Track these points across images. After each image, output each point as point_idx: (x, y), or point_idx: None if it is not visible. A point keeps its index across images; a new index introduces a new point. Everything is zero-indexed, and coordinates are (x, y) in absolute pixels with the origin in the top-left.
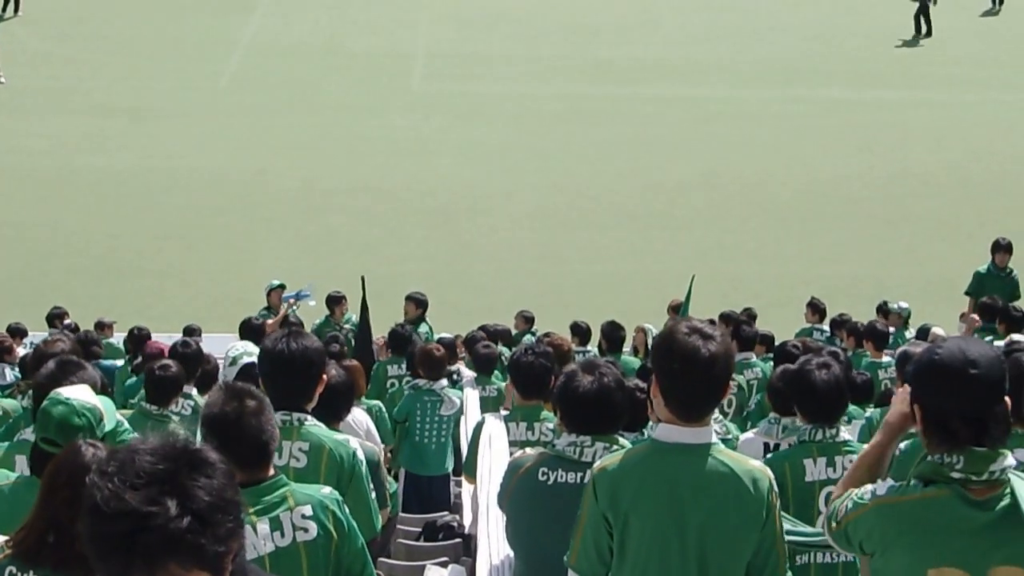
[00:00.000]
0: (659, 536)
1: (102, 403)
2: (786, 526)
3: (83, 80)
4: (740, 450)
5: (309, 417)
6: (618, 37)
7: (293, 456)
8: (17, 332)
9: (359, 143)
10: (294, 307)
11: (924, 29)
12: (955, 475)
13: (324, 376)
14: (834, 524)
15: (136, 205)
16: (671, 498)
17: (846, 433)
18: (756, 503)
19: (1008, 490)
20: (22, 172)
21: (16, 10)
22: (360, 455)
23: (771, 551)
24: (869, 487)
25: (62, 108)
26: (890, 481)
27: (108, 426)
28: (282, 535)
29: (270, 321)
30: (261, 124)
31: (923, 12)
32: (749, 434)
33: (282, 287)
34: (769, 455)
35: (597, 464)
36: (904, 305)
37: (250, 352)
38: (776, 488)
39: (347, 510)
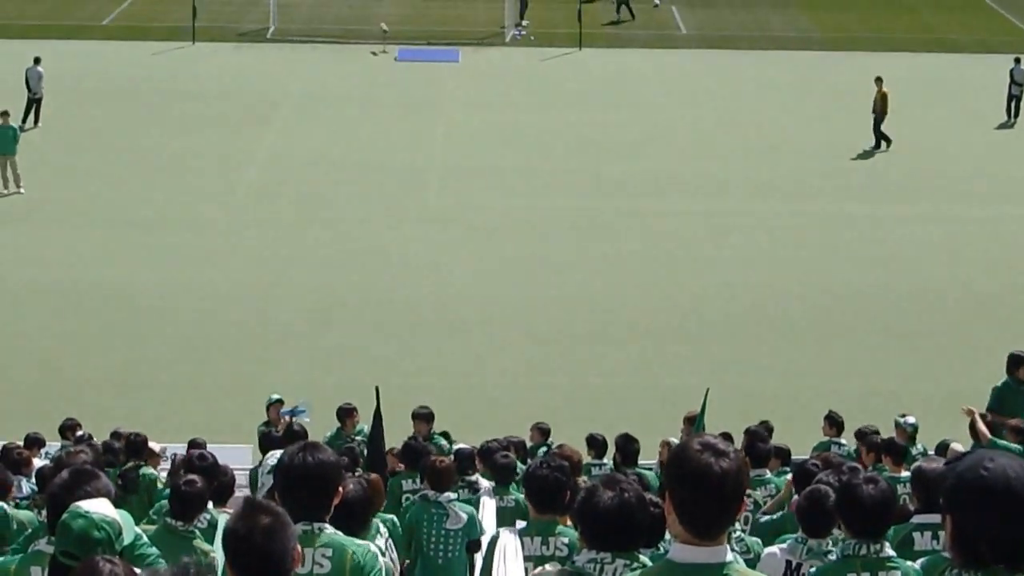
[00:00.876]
0: None
1: (120, 516)
2: None
3: (100, 192)
4: (762, 565)
5: (328, 525)
6: (631, 152)
7: (316, 562)
8: (35, 442)
9: (373, 256)
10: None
11: (884, 145)
12: None
13: (341, 489)
14: None
15: (150, 317)
16: None
17: (889, 549)
18: None
19: None
20: (38, 284)
21: (36, 121)
22: (381, 560)
23: None
24: None
25: (79, 220)
26: None
27: (127, 540)
28: None
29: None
30: (276, 237)
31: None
32: (774, 549)
33: (280, 402)
34: (813, 569)
35: None
36: (911, 421)
37: None
38: None
39: None
